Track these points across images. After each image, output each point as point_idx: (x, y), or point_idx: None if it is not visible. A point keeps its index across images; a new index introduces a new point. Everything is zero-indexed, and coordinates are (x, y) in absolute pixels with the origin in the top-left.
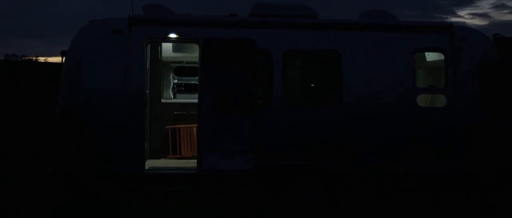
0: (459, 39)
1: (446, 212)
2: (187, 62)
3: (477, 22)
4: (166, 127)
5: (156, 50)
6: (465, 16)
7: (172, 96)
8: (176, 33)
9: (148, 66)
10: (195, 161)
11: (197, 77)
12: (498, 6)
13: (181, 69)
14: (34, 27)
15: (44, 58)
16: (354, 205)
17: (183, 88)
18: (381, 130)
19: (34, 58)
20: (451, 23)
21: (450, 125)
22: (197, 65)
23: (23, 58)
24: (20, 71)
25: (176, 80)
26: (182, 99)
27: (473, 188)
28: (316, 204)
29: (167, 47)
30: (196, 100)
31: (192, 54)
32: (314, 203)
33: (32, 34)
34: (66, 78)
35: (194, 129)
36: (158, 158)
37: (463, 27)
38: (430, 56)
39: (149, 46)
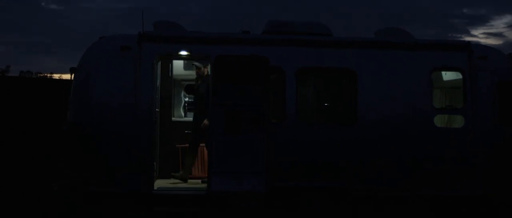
0: (477, 57)
1: None
2: None
3: (491, 41)
4: (177, 145)
5: (167, 67)
6: (479, 35)
7: (183, 114)
8: (187, 51)
9: (158, 84)
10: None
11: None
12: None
13: (192, 87)
14: (49, 44)
15: (58, 75)
16: None
17: (194, 106)
18: (397, 150)
19: (48, 75)
20: (469, 42)
21: (469, 146)
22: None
23: (38, 75)
24: (35, 88)
25: (187, 98)
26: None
27: (492, 211)
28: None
29: (178, 64)
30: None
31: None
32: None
33: (47, 51)
34: (74, 94)
35: (205, 148)
36: (168, 177)
37: (482, 45)
38: (447, 75)
39: (159, 63)
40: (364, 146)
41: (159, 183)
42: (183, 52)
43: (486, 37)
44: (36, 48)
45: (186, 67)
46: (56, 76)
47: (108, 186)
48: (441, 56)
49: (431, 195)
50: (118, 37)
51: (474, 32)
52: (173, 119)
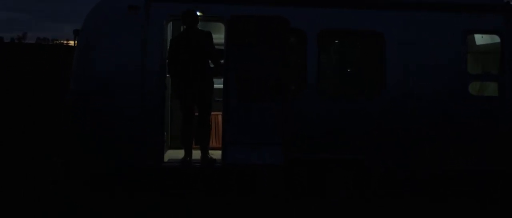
0: None
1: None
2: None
3: None
4: None
5: (179, 29)
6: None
7: None
8: (199, 11)
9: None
10: (220, 152)
11: (222, 60)
12: None
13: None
14: (67, 11)
15: (74, 41)
16: (393, 205)
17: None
18: (428, 121)
19: (65, 42)
20: (508, 2)
21: (504, 117)
22: (223, 47)
23: (55, 42)
24: (52, 55)
25: None
26: None
27: None
28: (351, 201)
29: None
30: (221, 86)
31: (218, 35)
32: (348, 200)
33: (65, 18)
34: (77, 60)
35: (220, 117)
36: (180, 148)
37: None
38: (480, 39)
39: (170, 24)
40: (392, 116)
41: (170, 154)
42: (196, 13)
43: None
44: (55, 15)
45: (199, 27)
46: (72, 43)
47: (114, 160)
48: (477, 18)
49: (461, 170)
50: None
51: None
52: None
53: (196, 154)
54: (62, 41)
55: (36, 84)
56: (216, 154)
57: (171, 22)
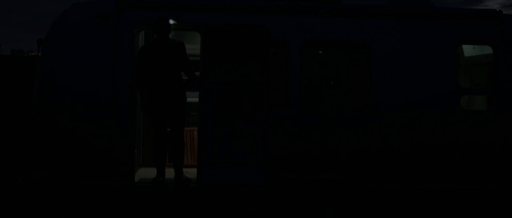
0: (511, 29)
1: None
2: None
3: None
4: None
5: (152, 37)
6: (495, 7)
7: None
8: (174, 19)
9: None
10: (195, 170)
11: (198, 73)
12: (507, 6)
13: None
14: (46, 23)
15: (38, 52)
16: None
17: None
18: (417, 137)
19: (40, 54)
20: (501, 11)
21: (496, 131)
22: (198, 58)
23: (30, 54)
24: (26, 67)
25: None
26: None
27: None
28: None
29: None
30: (196, 99)
31: (193, 46)
32: None
33: (42, 30)
34: (42, 72)
35: (195, 132)
36: (153, 166)
37: None
38: (469, 50)
39: (143, 33)
40: (379, 132)
41: (141, 173)
42: (169, 21)
43: (505, 10)
44: (31, 26)
45: (173, 36)
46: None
47: (81, 180)
48: (468, 28)
49: (455, 189)
50: (93, 4)
51: (489, 3)
52: None
53: (171, 172)
54: (37, 53)
55: (10, 96)
56: (192, 172)
57: (143, 31)
